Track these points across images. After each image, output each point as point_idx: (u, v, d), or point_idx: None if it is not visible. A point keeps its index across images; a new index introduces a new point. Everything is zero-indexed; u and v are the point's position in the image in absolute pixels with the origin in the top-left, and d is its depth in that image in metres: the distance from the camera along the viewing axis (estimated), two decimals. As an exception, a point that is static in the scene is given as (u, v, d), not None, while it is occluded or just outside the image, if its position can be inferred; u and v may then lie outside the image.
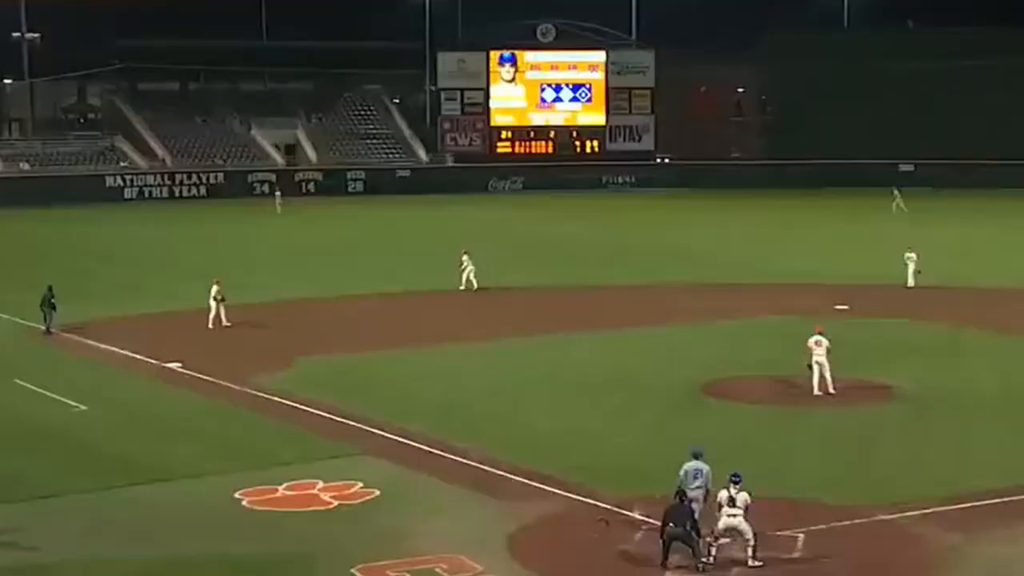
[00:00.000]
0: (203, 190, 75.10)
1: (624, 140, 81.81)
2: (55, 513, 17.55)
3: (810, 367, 23.53)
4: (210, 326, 31.91)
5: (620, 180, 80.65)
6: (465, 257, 38.32)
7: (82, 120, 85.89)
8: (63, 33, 73.74)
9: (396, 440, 21.22)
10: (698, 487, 15.84)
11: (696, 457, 16.19)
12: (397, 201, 71.36)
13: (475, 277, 37.60)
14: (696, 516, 15.18)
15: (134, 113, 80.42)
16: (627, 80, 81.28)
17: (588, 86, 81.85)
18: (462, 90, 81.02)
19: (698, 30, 78.03)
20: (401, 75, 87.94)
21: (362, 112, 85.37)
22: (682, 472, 16.00)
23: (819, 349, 23.53)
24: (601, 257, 45.89)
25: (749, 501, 15.12)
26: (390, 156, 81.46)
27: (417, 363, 27.65)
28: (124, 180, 73.59)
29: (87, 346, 30.17)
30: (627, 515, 16.89)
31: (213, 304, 32.11)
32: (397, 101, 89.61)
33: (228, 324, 32.05)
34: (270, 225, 60.95)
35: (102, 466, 19.96)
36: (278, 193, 68.77)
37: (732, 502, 15.10)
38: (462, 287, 37.55)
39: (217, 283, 32.51)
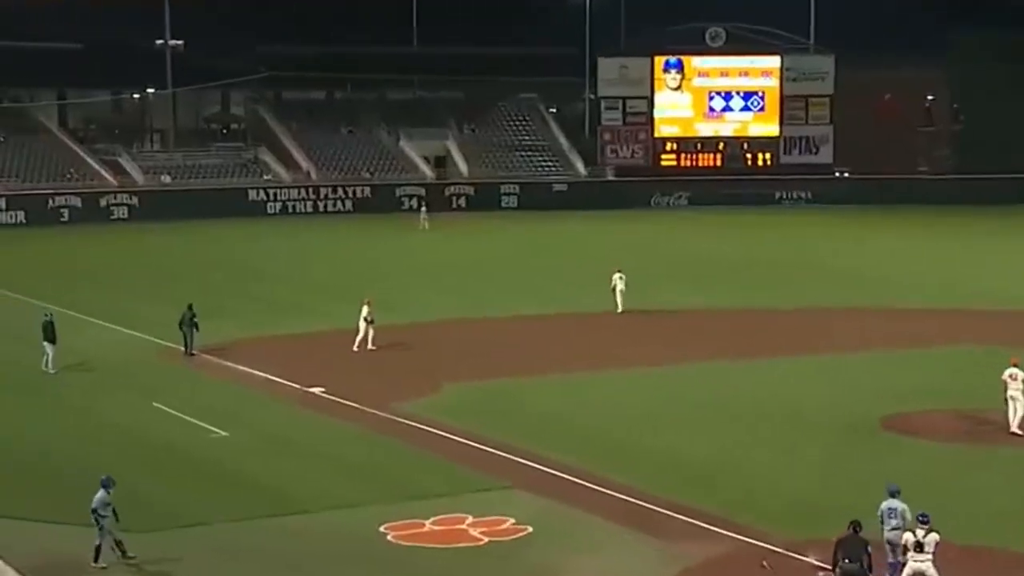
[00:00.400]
0: (349, 204, 76.94)
1: (799, 152, 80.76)
2: (200, 542, 18.09)
3: (1006, 402, 23.10)
4: (355, 348, 32.42)
5: (795, 196, 79.56)
6: (616, 276, 38.63)
7: (225, 131, 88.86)
8: (206, 41, 76.63)
9: (548, 472, 21.30)
10: (895, 528, 15.61)
11: (893, 495, 16.05)
12: (553, 217, 71.81)
13: (622, 298, 37.85)
14: (895, 560, 14.85)
15: (278, 123, 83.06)
16: (803, 87, 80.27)
17: (761, 94, 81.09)
18: (624, 99, 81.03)
19: (882, 32, 76.04)
20: (558, 83, 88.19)
21: (517, 122, 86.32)
22: (878, 512, 15.81)
23: (1014, 384, 23.14)
24: (769, 278, 45.89)
25: (938, 541, 14.90)
26: (546, 169, 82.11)
27: (569, 389, 27.86)
28: (267, 194, 75.93)
29: (227, 368, 30.96)
30: (799, 559, 16.64)
31: (363, 325, 32.43)
32: (554, 110, 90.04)
33: (374, 347, 32.46)
34: (418, 242, 62.18)
35: (245, 494, 20.52)
36: (423, 208, 70.19)
37: (920, 547, 14.81)
38: (619, 310, 37.97)
39: (368, 303, 32.92)
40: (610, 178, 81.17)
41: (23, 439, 24.36)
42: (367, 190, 77.54)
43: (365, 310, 32.77)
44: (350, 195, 77.32)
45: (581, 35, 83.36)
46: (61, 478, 21.60)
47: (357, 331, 32.59)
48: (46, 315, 31.21)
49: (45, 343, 30.60)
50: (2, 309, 40.61)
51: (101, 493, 17.48)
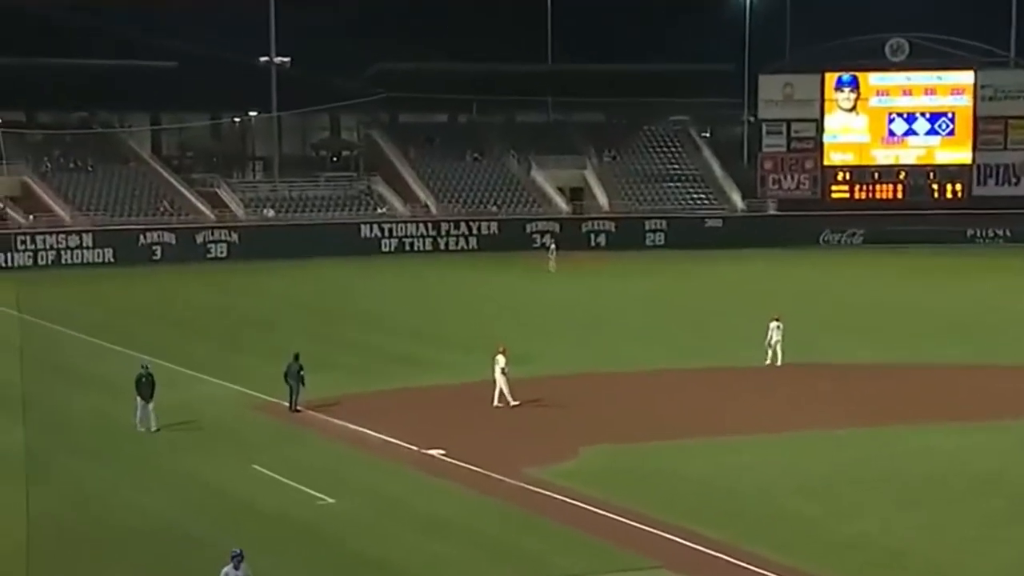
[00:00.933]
0: (473, 242, 77.92)
1: (996, 183, 79.21)
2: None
3: None
4: (497, 403, 32.67)
5: (990, 233, 78.27)
6: (773, 325, 38.40)
7: (335, 159, 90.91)
8: (315, 57, 78.15)
9: (701, 551, 21.24)
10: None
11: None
12: (705, 257, 71.61)
13: (782, 350, 37.77)
14: None
15: (394, 150, 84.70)
16: (1001, 107, 78.89)
17: (950, 115, 79.89)
18: (788, 121, 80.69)
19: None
20: (712, 103, 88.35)
21: (664, 148, 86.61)
22: None
23: None
24: (955, 329, 45.36)
25: None
26: (698, 202, 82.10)
27: (723, 455, 27.85)
28: (382, 229, 77.22)
29: (335, 426, 31.30)
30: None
31: (500, 378, 32.68)
32: (707, 135, 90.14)
33: (516, 403, 32.57)
34: (548, 284, 62.57)
35: (354, 570, 20.66)
36: (552, 246, 70.49)
37: None
38: (767, 362, 38.04)
39: (503, 352, 33.20)
40: (772, 212, 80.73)
41: (118, 506, 24.92)
42: (494, 225, 78.40)
43: (501, 360, 33.04)
44: (474, 231, 78.23)
45: (739, 49, 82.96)
46: (159, 548, 22.16)
47: (494, 384, 32.79)
48: (143, 368, 31.54)
49: (139, 398, 30.94)
50: (91, 358, 41.67)
51: (229, 568, 17.77)
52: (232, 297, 59.23)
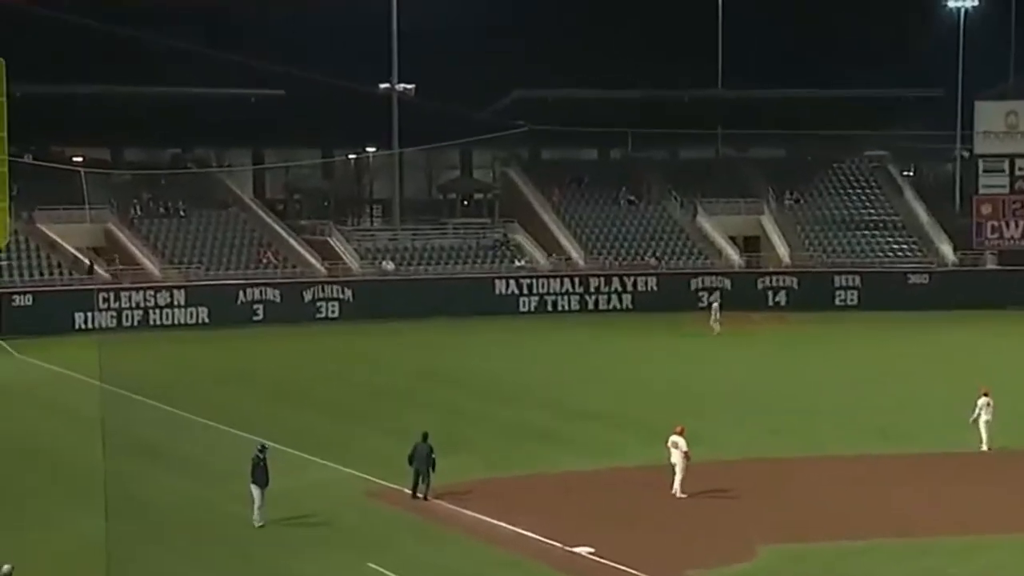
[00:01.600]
0: (627, 300, 77.98)
1: None
2: None
3: None
4: (679, 494, 32.92)
5: None
6: (982, 401, 38.05)
7: (466, 202, 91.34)
8: (444, 84, 78.78)
9: None
10: None
11: None
12: (907, 320, 70.73)
13: (989, 431, 37.66)
14: None
15: (536, 192, 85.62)
16: None
17: None
18: (1012, 157, 79.37)
19: None
20: (917, 136, 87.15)
21: (857, 190, 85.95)
22: None
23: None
24: None
25: None
26: (899, 254, 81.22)
27: (927, 558, 27.54)
28: (520, 286, 77.57)
29: (465, 518, 31.60)
30: None
31: (678, 459, 32.91)
32: (910, 174, 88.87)
33: (683, 495, 32.96)
34: (720, 350, 62.23)
35: None
36: (716, 305, 69.97)
37: None
38: (983, 447, 37.88)
39: (680, 433, 33.32)
40: (990, 267, 79.64)
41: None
42: (652, 281, 78.40)
43: (680, 442, 33.19)
44: (629, 288, 78.29)
45: (951, 70, 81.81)
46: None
47: (673, 470, 33.05)
48: (259, 450, 31.80)
49: (253, 485, 31.24)
50: (182, 435, 42.34)
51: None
52: (346, 364, 59.77)
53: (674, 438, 33.31)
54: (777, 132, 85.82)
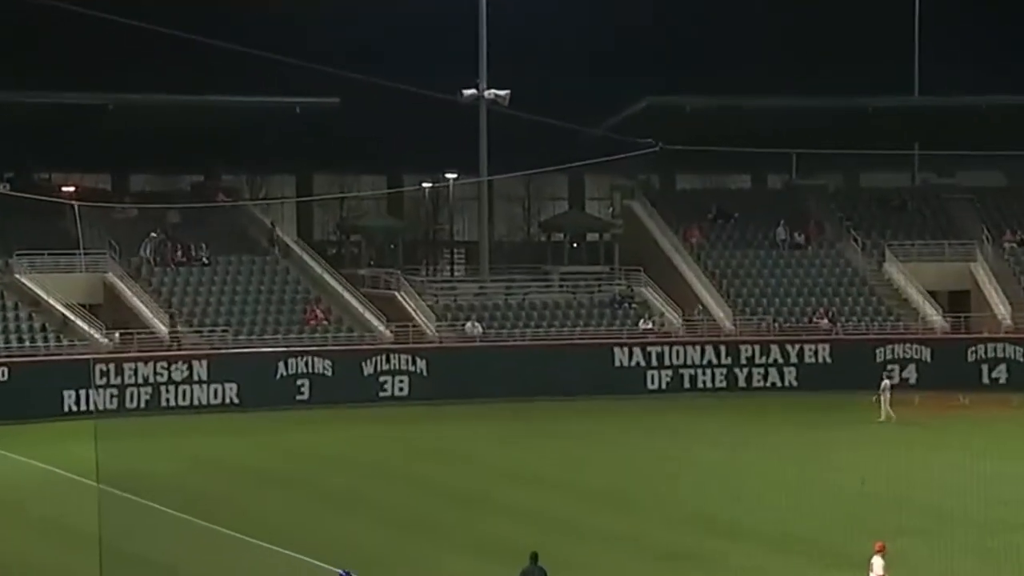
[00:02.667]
0: (791, 376, 77.81)
1: None
2: None
3: None
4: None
5: None
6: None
7: (576, 244, 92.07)
8: (546, 93, 78.61)
9: None
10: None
11: None
12: None
13: None
14: None
15: (668, 231, 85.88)
16: None
17: None
18: None
19: None
20: None
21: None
22: None
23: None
24: None
25: None
26: None
27: None
28: (647, 355, 77.74)
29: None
30: None
31: None
32: None
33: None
34: (914, 444, 61.38)
35: None
36: (886, 383, 68.66)
37: None
38: None
39: (880, 552, 33.19)
40: None
41: None
42: (823, 350, 78.22)
43: (878, 565, 33.06)
44: (792, 358, 78.03)
45: None
46: None
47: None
48: None
49: None
50: (203, 553, 42.00)
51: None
52: (418, 459, 59.55)
53: (873, 560, 33.12)
54: (994, 152, 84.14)
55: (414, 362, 76.03)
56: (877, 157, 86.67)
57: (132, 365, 71.95)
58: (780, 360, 78.12)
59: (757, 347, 78.39)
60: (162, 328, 75.50)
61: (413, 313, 79.67)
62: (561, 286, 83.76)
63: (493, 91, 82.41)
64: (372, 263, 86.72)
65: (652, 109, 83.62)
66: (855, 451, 59.97)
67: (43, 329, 73.50)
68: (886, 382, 68.40)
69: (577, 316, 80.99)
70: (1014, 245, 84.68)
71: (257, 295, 79.19)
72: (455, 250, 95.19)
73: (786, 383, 77.62)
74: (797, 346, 78.26)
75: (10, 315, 73.93)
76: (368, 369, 75.39)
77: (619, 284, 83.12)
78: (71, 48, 76.19)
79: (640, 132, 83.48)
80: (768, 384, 77.67)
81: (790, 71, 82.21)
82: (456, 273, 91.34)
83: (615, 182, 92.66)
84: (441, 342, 77.94)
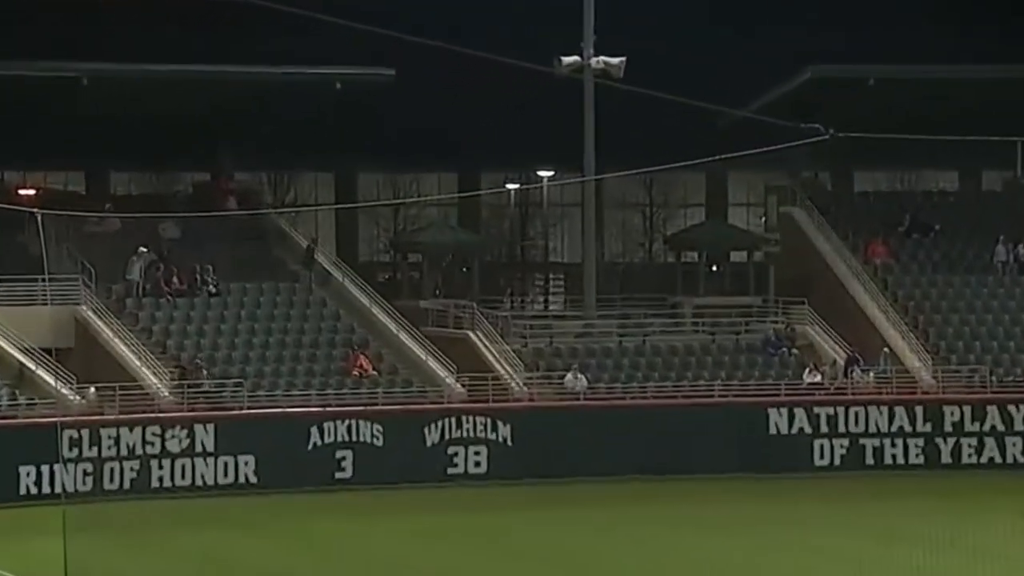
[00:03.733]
0: (1016, 449, 77.62)
1: None
2: None
3: None
4: None
5: None
6: None
7: (715, 268, 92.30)
8: (672, 60, 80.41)
9: None
10: None
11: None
12: None
13: None
14: None
15: (841, 249, 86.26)
16: None
17: None
18: None
19: None
20: None
21: None
22: None
23: None
24: None
25: None
26: None
27: None
28: (815, 419, 77.55)
29: None
30: None
31: None
32: None
33: None
34: None
35: None
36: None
37: None
38: None
39: None
40: None
41: None
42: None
43: None
44: (1016, 424, 77.73)
45: None
46: None
47: None
48: None
49: None
50: None
51: None
52: (509, 564, 59.78)
53: None
54: None
55: (495, 427, 76.05)
56: None
57: (113, 431, 71.56)
58: (1000, 427, 77.96)
59: (968, 409, 78.09)
60: (153, 380, 75.48)
61: (493, 361, 79.97)
62: (695, 324, 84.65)
63: (602, 58, 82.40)
64: (438, 293, 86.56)
65: (820, 82, 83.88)
66: None
67: (-9, 383, 73.76)
68: None
69: (717, 365, 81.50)
70: None
71: (283, 336, 79.45)
72: (551, 275, 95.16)
73: (1008, 459, 77.66)
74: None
75: (-56, 363, 74.38)
76: (432, 437, 75.42)
77: (775, 321, 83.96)
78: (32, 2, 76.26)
79: (804, 114, 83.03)
80: (983, 460, 77.57)
81: (1015, 31, 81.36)
82: (552, 306, 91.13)
83: (770, 182, 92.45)
84: (532, 400, 78.13)
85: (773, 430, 77.24)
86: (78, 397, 73.39)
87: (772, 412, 77.42)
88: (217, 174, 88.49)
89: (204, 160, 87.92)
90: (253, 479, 73.00)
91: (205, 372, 74.98)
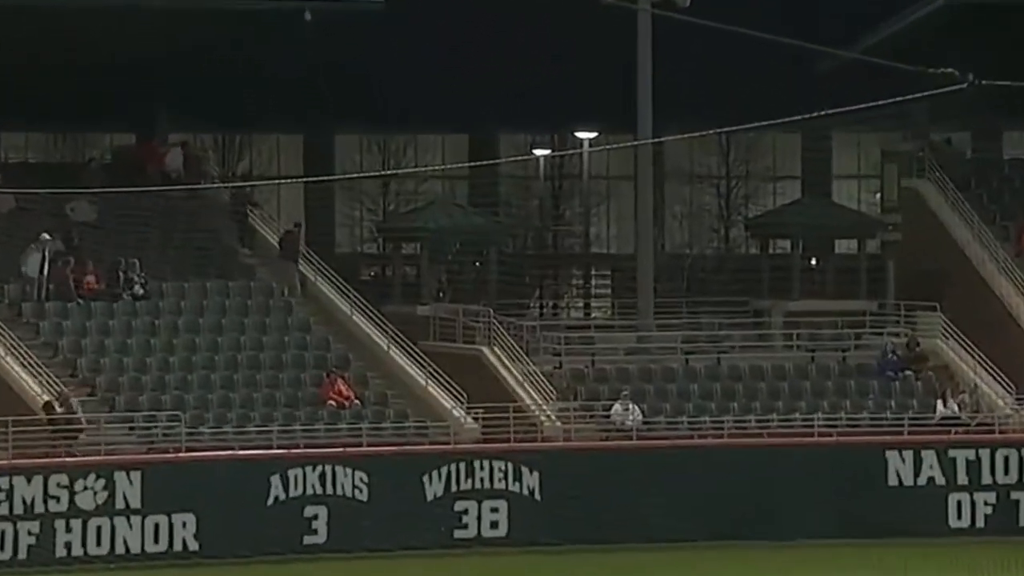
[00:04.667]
0: None
1: None
2: None
3: None
4: None
5: None
6: None
7: (814, 261, 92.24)
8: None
9: None
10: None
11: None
12: None
13: None
14: None
15: (985, 234, 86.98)
16: None
17: None
18: None
19: None
20: None
21: None
22: None
23: None
24: None
25: None
26: None
27: None
28: (947, 465, 78.01)
29: None
30: None
31: None
32: None
33: None
34: None
35: None
36: None
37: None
38: None
39: None
40: None
41: None
42: None
43: None
44: None
45: None
46: None
47: None
48: None
49: None
50: None
51: None
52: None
53: None
54: None
55: (517, 476, 76.18)
56: None
57: (4, 481, 71.53)
58: None
59: None
60: (57, 411, 74.59)
61: (516, 387, 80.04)
62: (788, 338, 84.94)
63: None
64: (441, 295, 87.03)
65: (957, 10, 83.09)
66: None
67: None
68: None
69: (817, 393, 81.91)
70: None
71: (234, 354, 79.56)
72: (593, 271, 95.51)
73: None
74: None
75: None
76: (434, 488, 75.57)
77: (896, 334, 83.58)
78: None
79: (933, 56, 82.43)
80: None
81: None
82: (595, 313, 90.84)
83: (888, 147, 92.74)
84: (567, 439, 77.73)
85: (893, 480, 77.34)
86: (-44, 433, 73.42)
87: (892, 456, 77.38)
88: (146, 136, 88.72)
89: (128, 117, 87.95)
90: (193, 545, 72.75)
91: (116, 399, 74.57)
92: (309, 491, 73.68)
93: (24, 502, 70.61)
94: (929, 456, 76.99)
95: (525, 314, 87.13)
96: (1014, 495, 76.79)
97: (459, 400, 77.72)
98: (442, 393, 78.33)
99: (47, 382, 75.13)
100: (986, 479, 77.03)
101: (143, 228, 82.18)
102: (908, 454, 77.09)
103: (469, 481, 75.16)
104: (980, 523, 76.65)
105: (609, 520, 74.12)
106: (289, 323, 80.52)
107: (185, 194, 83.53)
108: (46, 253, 79.70)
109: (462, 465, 75.15)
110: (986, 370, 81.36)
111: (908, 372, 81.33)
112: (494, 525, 75.18)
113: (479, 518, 75.03)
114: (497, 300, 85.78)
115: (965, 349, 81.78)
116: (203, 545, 71.93)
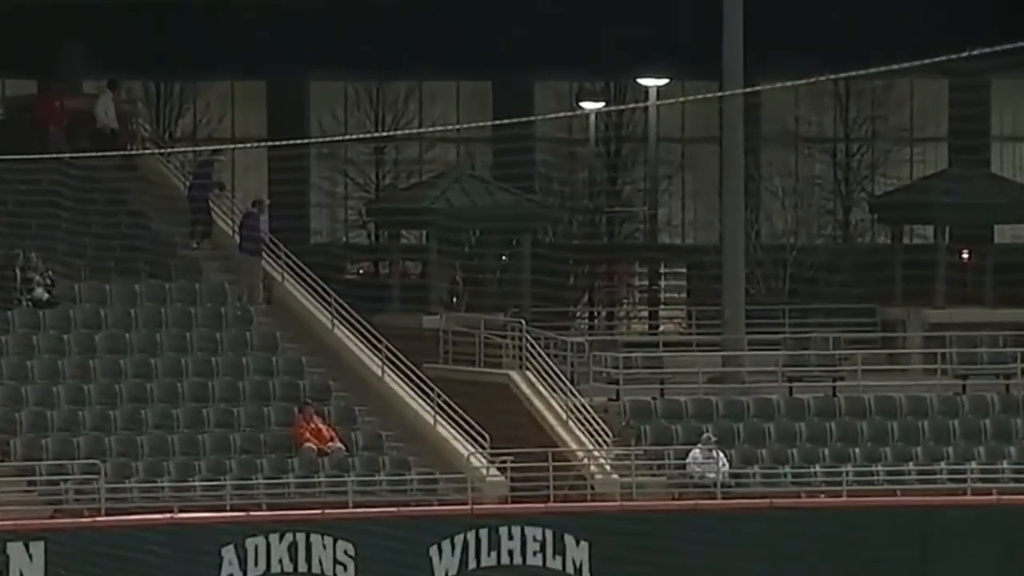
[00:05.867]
0: None
1: None
2: None
3: None
4: None
5: None
6: None
7: (965, 255, 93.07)
8: None
9: None
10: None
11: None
12: None
13: None
14: None
15: None
16: None
17: None
18: None
19: None
20: None
21: None
22: None
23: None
24: None
25: None
26: None
27: None
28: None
29: None
30: None
31: None
32: None
33: None
34: None
35: None
36: None
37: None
38: None
39: None
40: None
41: None
42: None
43: None
44: None
45: None
46: None
47: None
48: None
49: None
50: None
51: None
52: None
53: None
54: None
55: (560, 546, 77.23)
56: None
57: None
58: None
59: None
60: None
61: (557, 425, 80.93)
62: (930, 360, 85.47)
63: None
64: (455, 300, 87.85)
65: None
66: None
67: None
68: None
69: (970, 435, 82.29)
70: None
71: (174, 381, 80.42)
72: (663, 269, 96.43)
73: None
74: None
75: None
76: (446, 565, 76.98)
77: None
78: None
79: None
80: None
81: None
82: (663, 326, 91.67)
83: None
84: (626, 498, 78.65)
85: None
86: None
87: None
88: (51, 85, 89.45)
89: (27, 60, 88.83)
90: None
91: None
92: (275, 568, 74.64)
93: None
94: None
95: (569, 327, 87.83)
96: None
97: (479, 444, 78.35)
98: (456, 434, 79.04)
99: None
100: None
101: (48, 209, 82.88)
102: None
103: (494, 555, 76.21)
104: None
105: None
106: (249, 339, 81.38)
107: (104, 162, 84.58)
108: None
109: (484, 533, 76.06)
110: None
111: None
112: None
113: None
114: (532, 308, 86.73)
115: None
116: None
